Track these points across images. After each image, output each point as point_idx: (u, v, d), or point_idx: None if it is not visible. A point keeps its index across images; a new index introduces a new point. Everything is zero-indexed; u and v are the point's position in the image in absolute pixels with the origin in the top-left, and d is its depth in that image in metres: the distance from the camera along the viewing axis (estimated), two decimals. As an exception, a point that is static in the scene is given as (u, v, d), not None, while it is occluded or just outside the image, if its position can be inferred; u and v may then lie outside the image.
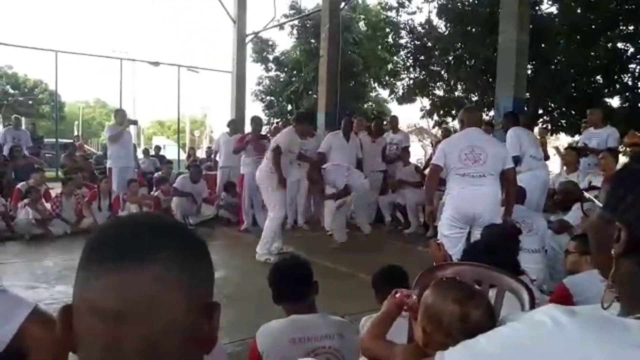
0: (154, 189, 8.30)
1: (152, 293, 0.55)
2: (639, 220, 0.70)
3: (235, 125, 8.37)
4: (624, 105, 11.23)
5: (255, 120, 7.40)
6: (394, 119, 8.54)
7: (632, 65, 11.17)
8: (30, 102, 29.29)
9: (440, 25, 13.17)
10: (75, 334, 0.57)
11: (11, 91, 29.12)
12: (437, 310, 1.03)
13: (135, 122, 8.91)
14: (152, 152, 12.61)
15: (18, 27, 60.43)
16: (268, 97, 17.49)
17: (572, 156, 5.72)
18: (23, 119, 10.92)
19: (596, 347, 0.61)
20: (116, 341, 0.55)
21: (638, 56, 11.04)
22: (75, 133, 23.01)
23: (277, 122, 14.35)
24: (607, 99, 11.46)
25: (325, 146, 6.78)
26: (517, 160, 4.99)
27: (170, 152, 16.16)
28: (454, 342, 0.73)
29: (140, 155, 11.16)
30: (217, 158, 8.31)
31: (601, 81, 11.50)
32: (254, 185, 6.60)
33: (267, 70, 17.46)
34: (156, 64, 16.72)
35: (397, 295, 1.24)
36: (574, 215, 4.21)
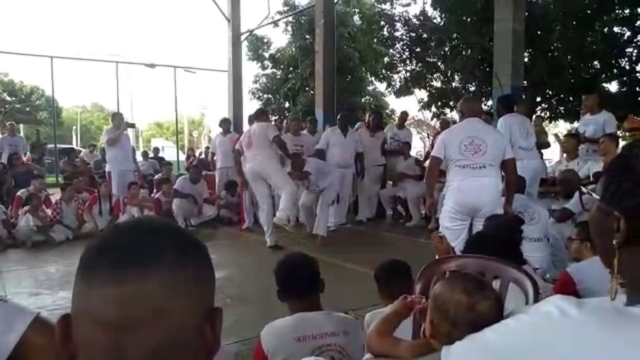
0: (154, 190, 8.30)
1: (155, 301, 0.54)
2: (637, 208, 0.69)
3: (227, 124, 8.34)
4: (622, 89, 11.21)
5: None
6: (403, 115, 8.60)
7: (629, 49, 11.15)
8: (27, 108, 29.29)
9: (435, 15, 13.13)
10: (76, 343, 0.56)
11: (8, 98, 29.11)
12: (445, 299, 1.03)
13: (132, 125, 8.92)
14: (151, 154, 12.60)
15: (12, 33, 60.41)
16: (265, 95, 17.47)
17: (572, 143, 5.70)
18: (21, 126, 10.89)
19: (603, 337, 0.61)
20: (119, 351, 0.53)
21: (635, 40, 11.01)
22: (78, 142, 23.01)
23: (275, 120, 14.33)
24: (605, 84, 11.43)
25: (323, 142, 6.88)
26: None
27: (169, 153, 16.17)
28: (460, 333, 0.72)
29: (139, 157, 11.16)
30: (215, 159, 8.30)
31: (598, 66, 11.46)
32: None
33: (264, 68, 17.43)
34: (152, 65, 16.71)
35: (408, 300, 1.24)
36: (575, 203, 4.20)
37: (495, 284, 1.57)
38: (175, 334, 0.55)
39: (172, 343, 0.55)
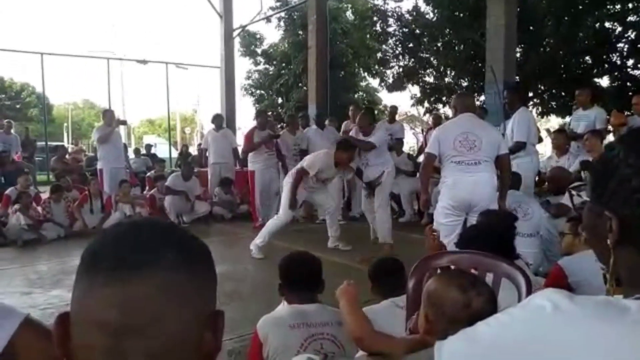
0: (147, 187, 8.25)
1: (156, 304, 0.53)
2: (625, 206, 0.69)
3: (220, 120, 8.28)
4: (613, 84, 11.27)
5: (262, 115, 7.40)
6: (393, 109, 8.63)
7: (620, 45, 11.20)
8: (18, 105, 29.06)
9: (428, 11, 13.12)
10: (73, 344, 0.55)
11: (-2, 96, 28.86)
12: (440, 297, 1.02)
13: (124, 122, 8.83)
14: (143, 151, 12.53)
15: (1, 30, 59.69)
16: (258, 91, 17.40)
17: (562, 139, 5.72)
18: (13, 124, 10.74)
19: (598, 328, 0.61)
20: (118, 354, 0.53)
21: (625, 35, 11.06)
22: (69, 139, 22.74)
23: (269, 116, 14.28)
24: (596, 79, 11.49)
25: (304, 143, 7.28)
26: (522, 146, 4.93)
27: (162, 150, 16.08)
28: (457, 329, 0.72)
29: (131, 155, 11.09)
30: (207, 155, 8.24)
31: (590, 61, 11.52)
32: (266, 180, 6.81)
33: (256, 64, 17.35)
34: (144, 62, 16.58)
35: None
36: (568, 199, 4.22)
37: (488, 279, 1.57)
38: (176, 337, 0.54)
39: (173, 346, 0.54)
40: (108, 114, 7.92)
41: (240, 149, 8.07)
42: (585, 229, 0.79)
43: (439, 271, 1.56)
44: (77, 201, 6.76)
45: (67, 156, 10.73)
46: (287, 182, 5.33)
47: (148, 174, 9.37)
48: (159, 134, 35.80)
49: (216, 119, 8.21)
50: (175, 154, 16.48)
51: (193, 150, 16.26)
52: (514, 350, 0.63)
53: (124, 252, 0.55)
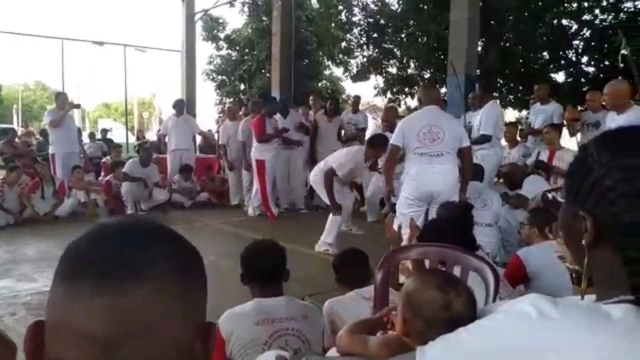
0: (102, 173, 7.99)
1: (147, 314, 0.49)
2: (599, 205, 0.69)
3: (182, 105, 8.05)
4: (568, 80, 11.66)
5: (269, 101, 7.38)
6: (356, 99, 8.59)
7: (576, 42, 11.59)
8: (-38, 85, 27.53)
9: (393, 2, 13.19)
10: (49, 356, 0.50)
11: (-60, 73, 27.20)
12: (418, 297, 1.00)
13: (77, 106, 8.45)
14: (98, 136, 12.10)
15: (-56, 3, 56.01)
16: (220, 77, 17.10)
17: (512, 132, 5.96)
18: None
19: (584, 336, 0.61)
20: None
21: (581, 32, 11.45)
22: (19, 122, 21.76)
23: (229, 102, 14.06)
24: (552, 75, 11.86)
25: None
26: (488, 139, 5.03)
27: (118, 134, 15.59)
28: (435, 331, 0.70)
29: (85, 139, 10.68)
30: (166, 140, 8.01)
31: (547, 57, 11.87)
32: (277, 168, 6.81)
33: (218, 49, 17.04)
34: (100, 43, 15.99)
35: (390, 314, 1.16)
36: (526, 190, 4.36)
37: (456, 272, 1.57)
38: (167, 347, 0.50)
39: (163, 357, 0.50)
40: (61, 96, 7.59)
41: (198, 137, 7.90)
42: (560, 230, 0.79)
43: (407, 263, 1.55)
44: (27, 186, 6.46)
45: (16, 139, 10.24)
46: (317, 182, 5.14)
47: (104, 159, 9.06)
48: (115, 118, 34.76)
49: (178, 104, 7.98)
50: (132, 139, 16.01)
51: (150, 136, 15.84)
52: (499, 358, 0.62)
53: (111, 258, 0.50)
